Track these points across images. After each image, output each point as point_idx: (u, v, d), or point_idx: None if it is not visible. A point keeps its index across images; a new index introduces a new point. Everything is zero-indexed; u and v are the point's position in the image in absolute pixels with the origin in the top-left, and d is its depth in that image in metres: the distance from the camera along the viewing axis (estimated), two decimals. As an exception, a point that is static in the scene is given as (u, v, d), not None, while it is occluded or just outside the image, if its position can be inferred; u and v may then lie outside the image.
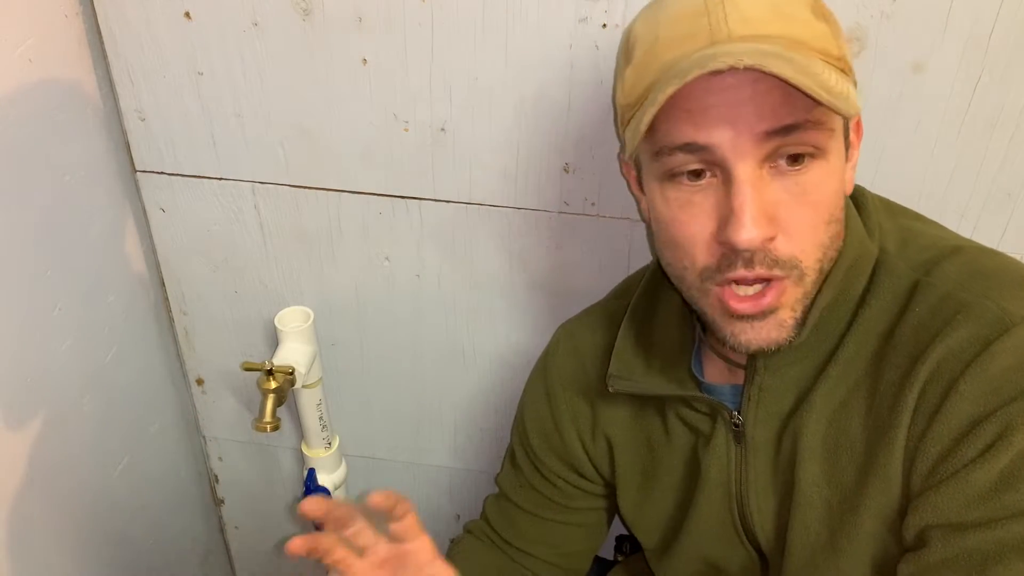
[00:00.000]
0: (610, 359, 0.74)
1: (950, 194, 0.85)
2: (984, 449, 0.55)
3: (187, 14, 0.86)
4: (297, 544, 0.60)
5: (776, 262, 0.57)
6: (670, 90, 0.54)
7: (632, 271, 0.95)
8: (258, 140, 0.93)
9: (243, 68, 0.89)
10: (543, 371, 0.84)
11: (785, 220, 0.57)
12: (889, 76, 0.79)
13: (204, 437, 1.24)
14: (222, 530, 1.36)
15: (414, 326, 1.05)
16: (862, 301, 0.63)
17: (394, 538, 0.64)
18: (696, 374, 0.72)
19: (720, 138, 0.55)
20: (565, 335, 0.83)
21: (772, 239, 0.57)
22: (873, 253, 0.64)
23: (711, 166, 0.57)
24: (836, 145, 0.58)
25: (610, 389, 0.73)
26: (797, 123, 0.55)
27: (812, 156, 0.57)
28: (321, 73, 0.88)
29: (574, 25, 0.81)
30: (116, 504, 1.05)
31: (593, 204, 0.91)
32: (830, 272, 0.62)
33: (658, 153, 0.59)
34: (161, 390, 1.13)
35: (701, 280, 0.61)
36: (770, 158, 0.56)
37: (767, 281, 0.58)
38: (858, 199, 0.67)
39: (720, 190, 0.57)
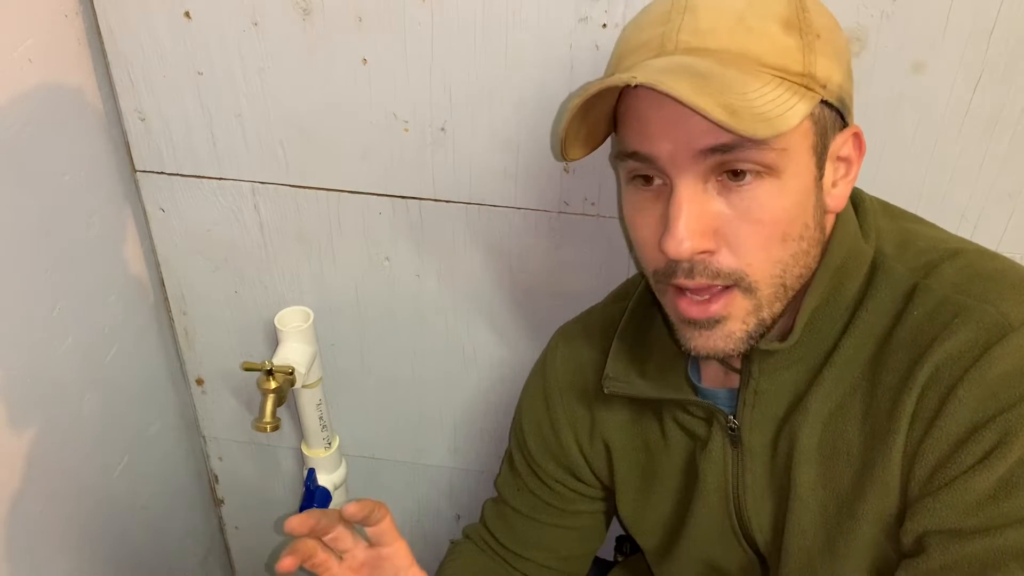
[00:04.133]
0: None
1: (950, 194, 0.85)
2: (983, 456, 0.55)
3: (187, 14, 0.86)
4: (288, 562, 0.61)
5: (718, 274, 0.59)
6: (575, 102, 0.58)
7: (632, 272, 0.95)
8: (258, 140, 0.93)
9: (243, 68, 0.89)
10: (541, 374, 0.84)
11: (728, 235, 0.58)
12: (889, 76, 0.79)
13: (204, 437, 1.24)
14: (222, 530, 1.36)
15: (414, 326, 1.05)
16: (858, 304, 0.63)
17: (372, 542, 0.65)
18: (693, 378, 0.72)
19: (659, 150, 0.57)
20: (563, 339, 0.83)
21: (712, 252, 0.58)
22: (867, 254, 0.63)
23: (661, 174, 0.59)
24: (794, 163, 0.57)
25: (605, 390, 0.73)
26: (733, 143, 0.55)
27: (757, 173, 0.56)
28: (321, 73, 0.88)
29: (574, 25, 0.81)
30: (116, 504, 1.05)
31: (593, 204, 0.91)
32: (815, 275, 0.62)
33: (618, 156, 0.61)
34: (161, 390, 1.13)
35: (656, 281, 0.63)
36: (715, 171, 0.57)
37: (712, 289, 0.60)
38: (855, 201, 0.66)
39: (667, 198, 0.58)
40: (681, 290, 0.61)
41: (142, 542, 1.12)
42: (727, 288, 0.59)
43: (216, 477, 1.29)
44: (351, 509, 0.61)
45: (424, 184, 0.94)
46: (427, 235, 0.97)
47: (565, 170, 0.90)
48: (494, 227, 0.95)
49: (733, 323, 0.60)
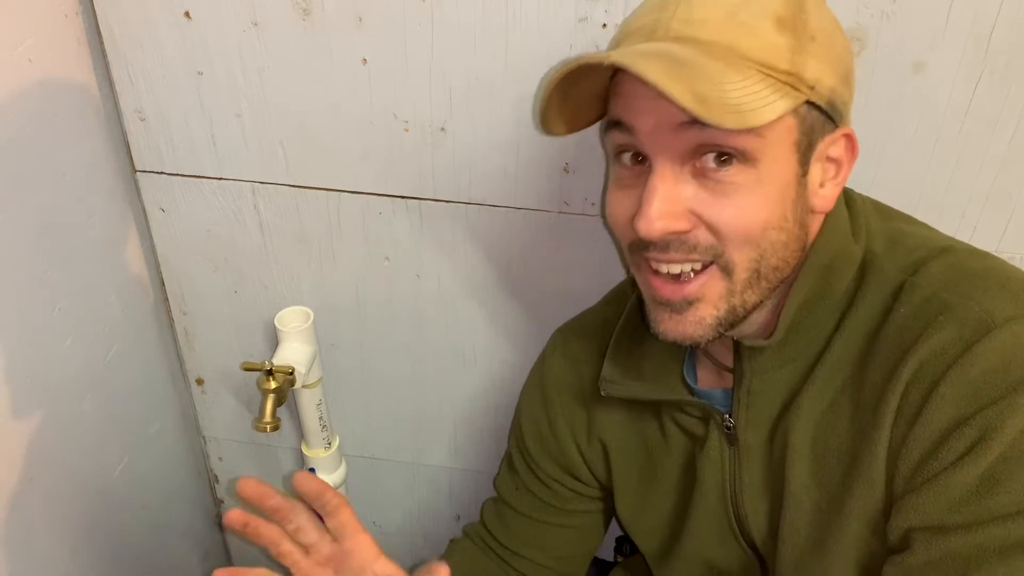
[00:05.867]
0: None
1: (950, 194, 0.85)
2: (964, 452, 0.55)
3: (187, 14, 0.86)
4: (235, 516, 0.62)
5: (694, 248, 0.59)
6: (553, 76, 0.59)
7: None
8: (258, 140, 0.93)
9: (243, 68, 0.89)
10: (539, 375, 0.84)
11: (705, 216, 0.58)
12: (889, 76, 0.79)
13: (204, 437, 1.24)
14: (222, 530, 1.36)
15: (414, 326, 1.05)
16: (849, 303, 0.63)
17: (334, 536, 0.65)
18: (688, 380, 0.72)
19: (643, 124, 0.58)
20: (561, 339, 0.84)
21: (686, 231, 0.58)
22: (856, 254, 0.63)
23: (641, 151, 0.59)
24: (772, 155, 0.57)
25: (602, 393, 0.73)
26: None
27: (738, 160, 0.57)
28: (321, 73, 0.88)
29: (574, 25, 0.81)
30: (116, 504, 1.05)
31: (593, 204, 0.91)
32: (800, 272, 0.62)
33: (606, 127, 0.62)
34: (161, 390, 1.13)
35: (631, 253, 0.63)
36: (693, 155, 0.57)
37: (692, 266, 0.60)
38: (847, 201, 0.66)
39: (646, 179, 0.59)
40: (654, 269, 0.61)
41: (142, 542, 1.12)
42: (704, 268, 0.60)
43: (216, 477, 1.29)
44: (299, 478, 0.63)
45: (424, 184, 0.94)
46: (427, 235, 0.97)
47: (565, 170, 0.90)
48: (494, 227, 0.95)
49: (705, 307, 0.61)
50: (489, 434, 1.15)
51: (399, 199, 0.95)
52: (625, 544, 1.04)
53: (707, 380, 0.72)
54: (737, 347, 0.65)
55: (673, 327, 0.62)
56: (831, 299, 0.63)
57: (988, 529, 0.55)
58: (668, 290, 0.61)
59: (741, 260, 0.59)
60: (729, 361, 0.68)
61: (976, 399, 0.55)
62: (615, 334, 0.75)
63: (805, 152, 0.59)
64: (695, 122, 0.55)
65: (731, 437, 0.69)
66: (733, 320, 0.61)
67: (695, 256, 0.59)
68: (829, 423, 0.63)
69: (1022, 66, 0.77)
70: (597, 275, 0.96)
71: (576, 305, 0.88)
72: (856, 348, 0.62)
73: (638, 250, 0.62)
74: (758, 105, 0.54)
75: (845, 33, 0.63)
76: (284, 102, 0.90)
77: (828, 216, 0.64)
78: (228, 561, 1.39)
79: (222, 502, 1.32)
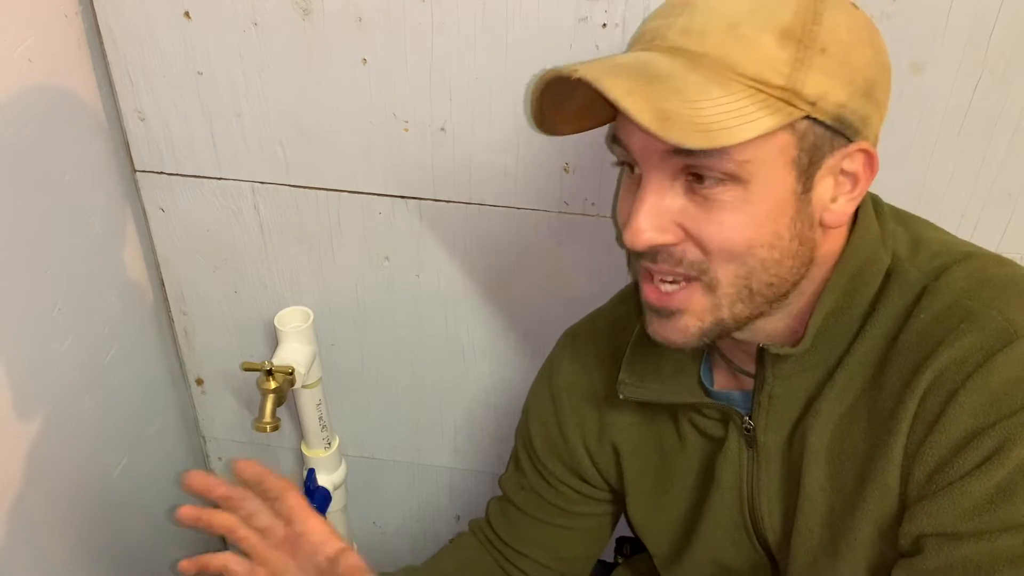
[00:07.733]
0: (615, 365, 0.74)
1: (950, 194, 0.85)
2: (981, 461, 0.55)
3: (187, 14, 0.86)
4: (187, 512, 0.66)
5: (680, 261, 0.60)
6: (535, 85, 0.60)
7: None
8: (258, 140, 0.93)
9: (243, 68, 0.89)
10: (548, 377, 0.83)
11: (692, 231, 0.58)
12: (889, 76, 0.79)
13: (204, 437, 1.24)
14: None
15: (414, 326, 1.05)
16: (872, 308, 0.62)
17: (284, 520, 0.68)
18: (705, 383, 0.72)
19: (633, 142, 0.59)
20: (570, 341, 0.83)
21: (675, 244, 0.59)
22: (884, 261, 0.63)
23: (636, 164, 0.60)
24: (764, 175, 0.56)
25: (620, 396, 0.72)
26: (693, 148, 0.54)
27: (720, 180, 0.56)
28: (321, 73, 0.88)
29: (574, 25, 0.81)
30: (116, 504, 1.05)
31: (593, 204, 0.91)
32: (828, 281, 0.62)
33: (610, 139, 0.62)
34: (161, 390, 1.13)
35: (630, 262, 0.66)
36: (684, 171, 0.57)
37: (679, 280, 0.61)
38: (875, 207, 0.66)
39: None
40: (649, 275, 0.62)
41: (141, 542, 1.12)
42: (689, 281, 0.60)
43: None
44: (238, 465, 0.66)
45: (424, 184, 0.94)
46: (427, 235, 0.97)
47: (565, 170, 0.90)
48: (494, 227, 0.95)
49: (689, 318, 0.61)
50: (489, 434, 1.15)
51: (399, 199, 0.95)
52: (625, 545, 1.04)
53: (723, 382, 0.72)
54: (760, 353, 0.65)
55: (660, 330, 0.63)
56: (858, 307, 0.63)
57: (1001, 538, 0.55)
58: (655, 297, 0.62)
59: (726, 276, 0.59)
60: (746, 365, 0.68)
61: (996, 409, 0.55)
62: (634, 336, 0.74)
63: (806, 169, 0.57)
64: (677, 151, 0.55)
65: (750, 439, 0.69)
66: (722, 331, 0.62)
67: (680, 270, 0.60)
68: (847, 427, 0.63)
69: (1022, 66, 0.77)
70: (597, 275, 0.96)
71: (576, 305, 0.88)
72: (876, 352, 0.62)
73: (636, 258, 0.63)
74: (735, 123, 0.53)
75: (884, 56, 0.61)
76: (284, 102, 0.90)
77: (857, 225, 0.63)
78: (228, 561, 1.39)
79: (222, 502, 1.32)
